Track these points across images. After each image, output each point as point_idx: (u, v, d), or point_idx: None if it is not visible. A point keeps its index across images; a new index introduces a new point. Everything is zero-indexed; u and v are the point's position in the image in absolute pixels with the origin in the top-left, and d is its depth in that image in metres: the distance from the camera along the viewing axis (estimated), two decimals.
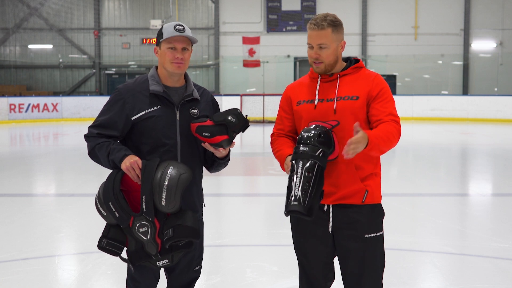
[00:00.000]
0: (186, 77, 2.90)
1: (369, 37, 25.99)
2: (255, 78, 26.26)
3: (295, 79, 26.46)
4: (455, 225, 6.34)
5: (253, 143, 14.42)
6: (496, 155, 12.85)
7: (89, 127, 2.80)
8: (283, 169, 2.73)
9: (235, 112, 2.73)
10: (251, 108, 22.08)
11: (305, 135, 2.57)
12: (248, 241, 5.56)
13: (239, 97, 22.08)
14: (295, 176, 2.52)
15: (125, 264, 2.75)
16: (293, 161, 2.56)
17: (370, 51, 25.77)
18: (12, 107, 22.73)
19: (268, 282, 4.39)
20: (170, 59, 2.76)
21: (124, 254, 2.77)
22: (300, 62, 26.44)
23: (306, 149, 2.53)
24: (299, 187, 2.50)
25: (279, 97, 24.40)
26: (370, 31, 26.02)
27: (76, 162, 11.73)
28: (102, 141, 2.74)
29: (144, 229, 2.57)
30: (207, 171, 3.03)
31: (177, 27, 2.76)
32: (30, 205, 7.56)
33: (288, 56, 26.46)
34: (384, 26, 26.01)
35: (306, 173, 2.51)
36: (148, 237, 2.57)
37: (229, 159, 2.90)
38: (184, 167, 2.61)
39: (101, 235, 2.70)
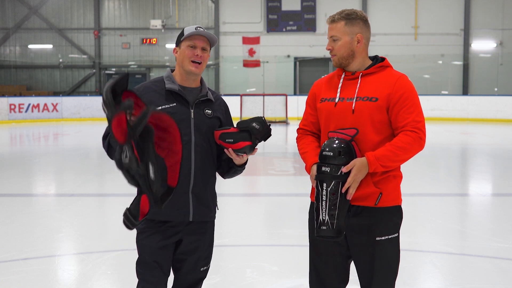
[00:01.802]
0: (201, 80, 2.95)
1: None
2: (255, 78, 26.26)
3: (295, 79, 26.48)
4: (455, 225, 6.34)
5: None
6: (496, 155, 12.85)
7: (106, 127, 2.79)
8: (308, 172, 2.76)
9: (260, 120, 2.77)
10: (251, 108, 22.07)
11: (326, 154, 2.59)
12: (248, 241, 5.57)
13: (239, 97, 22.08)
14: (321, 200, 2.59)
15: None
16: (317, 181, 2.60)
17: (370, 51, 25.25)
18: (12, 107, 22.73)
19: (268, 282, 4.39)
20: (189, 57, 2.81)
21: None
22: (300, 62, 26.44)
23: (328, 169, 2.57)
24: (326, 211, 2.57)
25: (279, 97, 24.41)
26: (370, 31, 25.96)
27: (76, 162, 11.72)
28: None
29: (125, 154, 2.38)
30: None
31: (198, 28, 2.85)
32: (30, 205, 7.55)
33: (288, 56, 26.46)
34: (384, 26, 25.99)
35: (331, 196, 2.57)
36: (128, 157, 2.38)
37: (245, 166, 2.92)
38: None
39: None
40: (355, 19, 2.76)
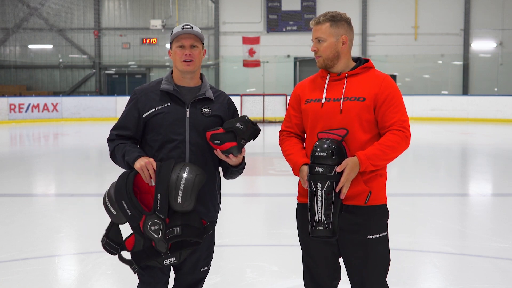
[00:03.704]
0: (202, 78, 2.95)
1: (369, 37, 25.99)
2: (255, 78, 26.25)
3: (295, 79, 26.48)
4: (455, 225, 6.34)
5: (253, 143, 14.31)
6: (496, 155, 12.85)
7: (110, 129, 2.91)
8: (296, 174, 2.78)
9: (244, 119, 2.76)
10: (251, 108, 22.07)
11: (319, 154, 2.60)
12: (248, 241, 5.57)
13: (239, 97, 22.08)
14: (316, 200, 2.60)
15: (125, 265, 2.75)
16: (310, 181, 2.61)
17: (370, 51, 25.77)
18: (12, 107, 22.73)
19: (268, 282, 4.39)
20: (179, 58, 2.83)
21: (125, 255, 2.78)
22: (300, 62, 26.44)
23: (321, 169, 2.58)
24: (322, 211, 2.59)
25: (279, 97, 24.41)
26: (370, 31, 26.02)
27: (76, 162, 11.73)
28: (120, 143, 2.83)
29: (156, 227, 2.61)
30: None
31: (185, 26, 2.85)
32: (30, 205, 7.55)
33: (288, 56, 26.46)
34: (384, 26, 26.00)
35: (326, 196, 2.58)
36: (160, 235, 2.62)
37: (243, 167, 2.90)
38: (199, 169, 2.67)
39: (105, 231, 2.76)
40: (340, 21, 2.79)
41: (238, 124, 2.74)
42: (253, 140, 2.82)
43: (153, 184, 2.67)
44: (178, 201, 2.59)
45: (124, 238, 2.76)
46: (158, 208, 2.60)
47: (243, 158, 2.85)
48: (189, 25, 2.85)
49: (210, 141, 2.77)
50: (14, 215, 6.70)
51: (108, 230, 2.74)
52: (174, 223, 2.62)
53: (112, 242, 2.73)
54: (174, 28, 2.90)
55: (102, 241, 2.74)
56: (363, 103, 2.70)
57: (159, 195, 2.60)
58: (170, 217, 2.64)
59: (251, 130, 2.76)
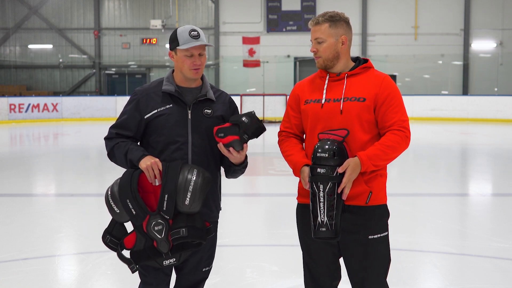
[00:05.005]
0: (202, 78, 2.94)
1: (369, 37, 25.99)
2: (255, 78, 26.25)
3: (295, 79, 26.48)
4: (455, 225, 6.34)
5: (253, 143, 14.28)
6: (496, 155, 12.85)
7: (109, 128, 2.89)
8: (296, 175, 2.78)
9: (250, 114, 2.77)
10: (251, 108, 22.04)
11: (320, 155, 2.59)
12: (248, 241, 5.57)
13: (239, 97, 22.07)
14: (318, 201, 2.59)
15: (126, 265, 2.75)
16: (312, 183, 2.60)
17: (370, 51, 25.76)
18: (12, 107, 22.73)
19: (268, 282, 4.39)
20: (189, 66, 2.80)
21: (125, 253, 2.78)
22: (300, 62, 26.44)
23: (323, 170, 2.57)
24: (324, 213, 2.58)
25: (279, 97, 24.34)
26: (370, 31, 26.02)
27: (76, 162, 11.73)
28: (120, 141, 2.81)
29: (160, 227, 2.62)
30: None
31: (192, 33, 2.78)
32: (30, 205, 7.55)
33: (288, 56, 26.45)
34: (384, 26, 25.99)
35: (328, 197, 2.57)
36: (163, 235, 2.62)
37: (245, 166, 2.88)
38: (206, 172, 2.69)
39: (105, 229, 2.75)
40: (339, 21, 2.79)
41: (244, 118, 2.74)
42: (256, 137, 2.81)
43: (157, 184, 2.67)
44: (186, 203, 2.60)
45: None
46: (164, 208, 2.61)
47: (246, 156, 2.83)
48: (196, 30, 2.79)
49: (215, 135, 2.77)
50: (14, 215, 6.70)
51: (111, 228, 2.73)
52: (178, 224, 2.62)
53: (115, 239, 2.73)
54: (177, 29, 2.83)
55: (105, 238, 2.73)
56: (363, 103, 2.69)
57: (166, 195, 2.60)
58: (173, 218, 2.64)
59: (256, 126, 2.75)
